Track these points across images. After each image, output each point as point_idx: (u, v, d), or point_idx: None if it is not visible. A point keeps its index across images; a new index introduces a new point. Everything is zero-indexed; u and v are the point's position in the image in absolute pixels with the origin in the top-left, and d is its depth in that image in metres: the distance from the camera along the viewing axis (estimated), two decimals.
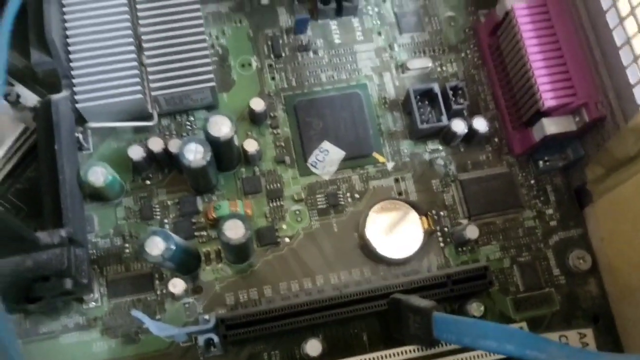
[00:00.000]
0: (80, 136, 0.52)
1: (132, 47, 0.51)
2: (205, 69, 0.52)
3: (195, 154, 0.46)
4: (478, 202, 0.55)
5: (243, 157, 0.53)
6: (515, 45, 0.54)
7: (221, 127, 0.47)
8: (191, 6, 0.53)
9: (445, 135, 0.56)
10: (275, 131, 0.55)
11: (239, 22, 0.58)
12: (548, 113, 0.52)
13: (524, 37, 0.52)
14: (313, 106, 0.56)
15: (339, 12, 0.58)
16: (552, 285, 0.54)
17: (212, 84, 0.52)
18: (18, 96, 0.53)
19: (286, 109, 0.56)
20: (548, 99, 0.51)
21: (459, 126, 0.54)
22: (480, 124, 0.55)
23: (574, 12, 0.52)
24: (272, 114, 0.56)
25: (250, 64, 0.57)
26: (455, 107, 0.54)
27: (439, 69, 0.59)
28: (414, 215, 0.52)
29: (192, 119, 0.55)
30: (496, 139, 0.57)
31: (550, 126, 0.52)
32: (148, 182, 0.53)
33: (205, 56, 0.52)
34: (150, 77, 0.51)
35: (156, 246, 0.43)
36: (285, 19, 0.59)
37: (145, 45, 0.52)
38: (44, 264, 0.42)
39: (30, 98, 0.53)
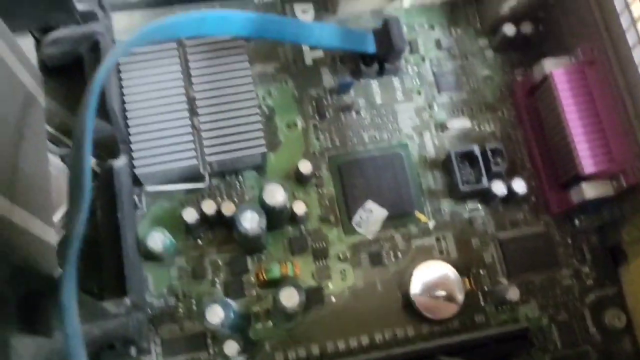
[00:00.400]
0: (136, 198, 0.54)
1: (186, 113, 0.53)
2: (256, 134, 0.54)
3: (251, 222, 0.48)
4: (517, 261, 0.57)
5: (290, 216, 0.55)
6: (553, 110, 0.56)
7: (276, 194, 0.49)
8: (242, 72, 0.55)
9: (484, 196, 0.57)
10: (320, 190, 0.57)
11: (284, 82, 0.60)
12: (586, 177, 0.54)
13: (563, 104, 0.54)
14: (357, 167, 0.58)
15: (381, 72, 0.60)
16: (589, 343, 0.56)
17: (264, 149, 0.54)
18: None
19: (330, 169, 0.58)
20: (587, 165, 0.53)
21: (498, 188, 0.56)
22: (519, 186, 0.56)
23: (611, 78, 0.54)
24: (317, 174, 0.58)
25: (295, 124, 0.59)
26: (494, 169, 0.56)
27: (476, 128, 0.61)
28: (455, 276, 0.54)
29: (241, 178, 0.57)
30: (533, 198, 0.59)
31: (589, 190, 0.54)
32: (200, 241, 0.55)
33: (257, 121, 0.54)
34: (204, 142, 0.53)
35: (216, 315, 0.45)
36: (328, 79, 0.61)
37: (198, 109, 0.54)
38: (111, 333, 0.44)
39: None
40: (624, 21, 0.51)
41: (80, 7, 0.50)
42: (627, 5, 0.51)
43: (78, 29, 0.51)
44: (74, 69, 0.55)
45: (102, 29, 0.52)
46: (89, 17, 0.51)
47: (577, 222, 0.58)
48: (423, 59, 0.62)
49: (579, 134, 0.53)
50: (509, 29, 0.60)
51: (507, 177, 0.57)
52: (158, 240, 0.49)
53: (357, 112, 0.60)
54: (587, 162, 0.53)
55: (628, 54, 0.51)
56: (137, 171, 0.52)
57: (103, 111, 0.52)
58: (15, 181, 0.40)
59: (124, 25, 0.60)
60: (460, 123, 0.60)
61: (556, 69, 0.55)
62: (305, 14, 0.62)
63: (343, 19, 0.63)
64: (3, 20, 0.49)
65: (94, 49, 0.53)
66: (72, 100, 0.57)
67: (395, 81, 0.61)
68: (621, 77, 0.53)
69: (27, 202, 0.41)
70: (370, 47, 0.58)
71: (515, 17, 0.60)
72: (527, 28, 0.61)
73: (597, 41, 0.54)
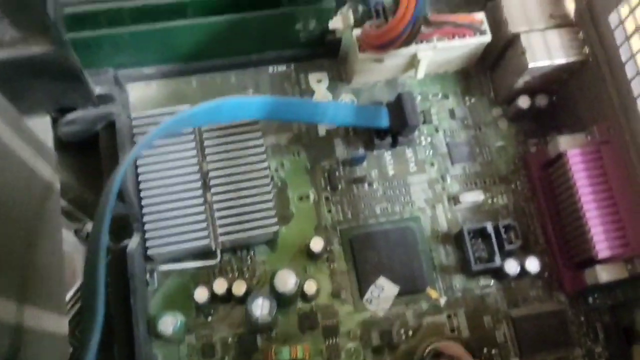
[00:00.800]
0: (148, 275, 0.54)
1: (200, 191, 0.54)
2: (269, 213, 0.54)
3: (262, 309, 0.49)
4: (529, 340, 0.56)
5: (301, 293, 0.55)
6: (567, 189, 0.55)
7: (287, 282, 0.49)
8: (256, 149, 0.55)
9: (497, 273, 0.57)
10: (331, 265, 0.57)
11: (297, 154, 0.61)
12: (601, 260, 0.53)
13: (577, 185, 0.54)
14: (368, 240, 0.58)
15: (394, 144, 0.60)
16: None
17: (276, 228, 0.54)
18: (88, 234, 0.56)
19: (342, 242, 0.58)
20: (602, 250, 0.52)
21: (512, 267, 0.56)
22: (533, 265, 0.56)
23: (627, 159, 0.53)
24: (328, 248, 0.58)
25: (307, 197, 0.59)
26: (508, 247, 0.56)
27: (489, 201, 0.60)
28: (467, 358, 0.54)
29: (252, 253, 0.57)
30: (546, 275, 0.58)
31: (603, 274, 0.53)
32: (209, 318, 0.55)
33: (270, 200, 0.54)
34: (217, 221, 0.53)
35: None
36: (341, 151, 0.61)
37: (211, 186, 0.55)
38: None
39: None
40: None
41: (97, 90, 0.51)
42: None
43: (94, 110, 0.52)
44: (90, 143, 0.56)
45: (117, 110, 0.53)
46: (105, 99, 0.52)
47: (590, 300, 0.58)
48: (437, 130, 0.62)
49: (594, 217, 0.53)
50: (523, 102, 0.60)
51: (520, 253, 0.57)
52: (169, 324, 0.50)
53: (370, 184, 0.60)
54: (601, 246, 0.52)
55: None
56: (149, 252, 0.52)
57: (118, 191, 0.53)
58: (28, 279, 0.40)
59: (140, 95, 0.60)
60: (473, 197, 0.59)
61: (571, 149, 0.55)
62: (319, 83, 0.63)
63: (357, 88, 0.63)
64: (23, 103, 0.50)
65: (110, 128, 0.54)
66: (87, 174, 0.58)
67: (408, 152, 0.61)
68: (637, 158, 0.53)
69: (39, 298, 0.41)
70: (384, 122, 0.58)
71: (530, 90, 0.60)
72: (542, 101, 0.60)
73: (613, 120, 0.54)
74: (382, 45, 0.50)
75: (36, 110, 0.51)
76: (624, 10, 0.52)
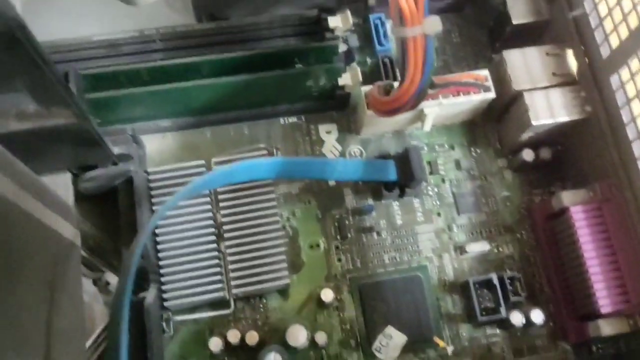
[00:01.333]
0: (164, 323, 0.56)
1: (214, 244, 0.56)
2: (281, 265, 0.56)
3: None
4: None
5: (312, 342, 0.57)
6: (570, 244, 0.57)
7: (298, 337, 0.51)
8: (268, 203, 0.58)
9: (503, 324, 0.59)
10: (341, 314, 0.59)
11: (308, 202, 0.62)
12: (603, 315, 0.55)
13: (580, 241, 0.55)
14: (377, 289, 0.60)
15: (402, 195, 0.62)
16: None
17: (288, 280, 0.56)
18: (107, 283, 0.58)
19: (351, 291, 0.60)
20: (604, 306, 0.54)
21: (517, 319, 0.57)
22: (538, 317, 0.57)
23: (628, 218, 0.55)
24: (338, 297, 0.60)
25: (318, 245, 0.61)
26: (513, 299, 0.58)
27: (495, 250, 0.62)
28: None
29: (265, 301, 0.59)
30: (551, 324, 0.60)
31: (606, 327, 0.55)
32: None
33: (281, 253, 0.56)
34: (231, 274, 0.55)
35: None
36: (350, 200, 0.63)
37: (226, 236, 0.57)
38: None
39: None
40: None
41: (116, 150, 0.53)
42: None
43: (113, 168, 0.54)
44: (108, 194, 0.59)
45: (135, 167, 0.55)
46: (123, 157, 0.54)
47: (594, 348, 0.59)
48: (443, 180, 0.64)
49: (596, 272, 0.54)
50: (527, 155, 0.62)
51: (526, 303, 0.59)
52: None
53: (378, 233, 0.62)
54: (604, 302, 0.54)
55: None
56: (166, 304, 0.54)
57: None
58: (51, 343, 0.42)
59: (156, 147, 0.63)
60: (479, 247, 0.61)
61: (574, 205, 0.56)
62: (329, 134, 0.65)
63: (365, 139, 0.65)
64: (44, 162, 0.52)
65: (128, 183, 0.56)
66: (105, 222, 0.60)
67: (416, 202, 0.63)
68: (638, 217, 0.54)
69: (62, 357, 0.43)
70: (392, 176, 0.59)
71: (534, 143, 0.62)
72: (545, 154, 0.62)
73: (615, 178, 0.56)
74: (388, 112, 0.52)
75: (57, 168, 0.53)
76: (624, 73, 0.53)
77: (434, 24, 0.45)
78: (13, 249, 0.39)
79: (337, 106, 0.65)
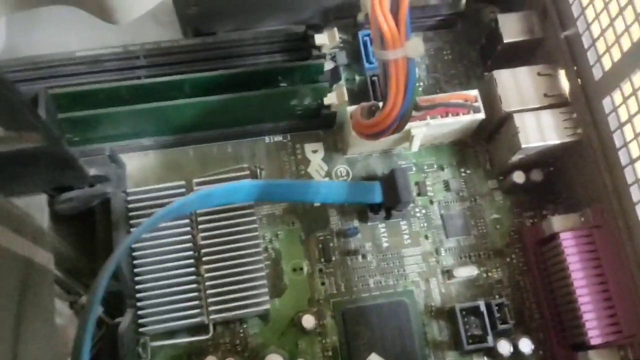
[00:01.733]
0: (140, 349, 0.55)
1: (193, 269, 0.54)
2: (262, 290, 0.54)
3: None
4: None
5: None
6: (560, 271, 0.55)
7: None
8: (249, 225, 0.56)
9: (490, 352, 0.57)
10: (323, 340, 0.57)
11: (291, 224, 0.61)
12: (593, 346, 0.53)
13: (570, 268, 0.54)
14: (361, 314, 0.58)
15: (388, 217, 0.61)
16: None
17: (268, 306, 0.54)
18: (82, 307, 0.56)
19: (334, 316, 0.58)
20: (594, 337, 0.52)
21: (504, 348, 0.55)
22: (526, 346, 0.56)
23: (620, 245, 0.53)
24: (320, 322, 0.58)
25: (301, 268, 0.60)
26: (501, 327, 0.56)
27: (484, 275, 0.60)
28: None
29: (245, 326, 0.57)
30: (540, 352, 0.58)
31: (596, 359, 0.53)
32: None
33: (262, 277, 0.55)
34: (209, 299, 0.54)
35: None
36: (335, 221, 0.61)
37: (205, 259, 0.55)
38: None
39: None
40: (635, 194, 0.51)
41: (92, 172, 0.51)
42: (638, 180, 0.50)
43: (90, 190, 0.53)
44: (86, 214, 0.57)
45: (113, 189, 0.54)
46: (100, 179, 0.53)
47: None
48: (431, 201, 0.62)
49: (587, 302, 0.52)
50: (518, 177, 0.60)
51: (514, 331, 0.57)
52: None
53: (364, 256, 0.60)
54: (594, 333, 0.52)
55: (636, 224, 0.51)
56: (143, 329, 0.53)
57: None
58: None
59: (137, 165, 0.61)
60: (468, 272, 0.59)
61: (564, 230, 0.54)
62: (315, 153, 0.63)
63: (352, 158, 0.63)
64: (17, 185, 0.51)
65: (106, 203, 0.55)
66: (82, 243, 0.59)
67: (403, 224, 0.61)
68: (630, 245, 0.52)
69: None
70: (377, 198, 0.58)
71: (525, 165, 0.60)
72: (536, 176, 0.60)
73: (606, 203, 0.54)
74: (371, 135, 0.51)
75: (31, 190, 0.51)
76: (617, 96, 0.52)
77: (416, 47, 0.44)
78: None
79: (323, 125, 0.63)
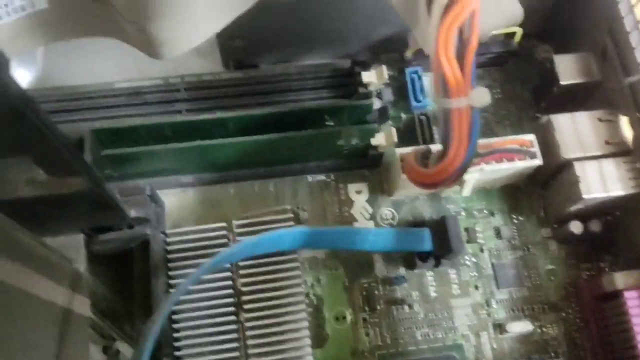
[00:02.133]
0: None
1: (233, 317, 0.52)
2: (304, 342, 0.51)
3: None
4: None
5: None
6: (623, 332, 0.51)
7: None
8: (292, 272, 0.53)
9: None
10: None
11: (334, 269, 0.58)
12: None
13: (634, 330, 0.50)
14: None
15: (437, 265, 0.57)
16: None
17: (310, 358, 0.51)
18: (117, 352, 0.54)
19: None
20: None
21: None
22: None
23: None
24: None
25: (344, 317, 0.57)
26: None
27: (538, 331, 0.57)
28: None
29: None
30: None
31: None
32: None
33: (304, 328, 0.52)
34: (250, 350, 0.51)
35: None
36: (380, 268, 0.58)
37: (246, 307, 0.52)
38: None
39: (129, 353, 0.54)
40: None
41: (132, 213, 0.49)
42: None
43: (129, 232, 0.50)
44: (124, 254, 0.55)
45: (152, 230, 0.51)
46: (140, 220, 0.51)
47: None
48: (482, 249, 0.59)
49: None
50: (575, 227, 0.57)
51: None
52: None
53: (410, 306, 0.57)
54: None
55: None
56: None
57: (147, 309, 0.51)
58: None
59: (176, 203, 0.59)
60: (521, 326, 0.56)
61: (629, 289, 0.51)
62: (359, 194, 0.61)
63: (398, 200, 0.60)
64: (55, 226, 0.49)
65: (144, 244, 0.53)
66: (119, 284, 0.57)
67: (452, 273, 0.58)
68: None
69: None
70: (427, 246, 0.55)
71: (583, 215, 0.57)
72: (595, 226, 0.57)
73: None
74: (427, 185, 0.48)
75: (69, 230, 0.49)
76: None
77: (482, 96, 0.41)
78: (13, 333, 0.36)
79: (369, 165, 0.60)
